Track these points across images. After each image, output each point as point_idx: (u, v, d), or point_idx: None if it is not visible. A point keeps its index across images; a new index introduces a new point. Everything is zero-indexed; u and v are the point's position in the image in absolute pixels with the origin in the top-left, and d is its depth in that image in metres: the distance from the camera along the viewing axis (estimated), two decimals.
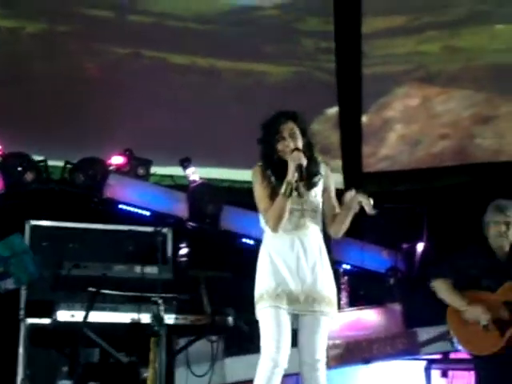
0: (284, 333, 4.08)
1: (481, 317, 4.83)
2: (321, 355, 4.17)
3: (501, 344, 4.81)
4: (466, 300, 4.90)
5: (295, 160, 4.11)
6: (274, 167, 4.20)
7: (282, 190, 4.10)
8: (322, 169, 4.28)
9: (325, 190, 4.27)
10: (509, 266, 4.98)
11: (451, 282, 4.99)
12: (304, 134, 4.24)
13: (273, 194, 4.15)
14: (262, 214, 4.18)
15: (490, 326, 4.82)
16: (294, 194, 4.15)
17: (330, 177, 4.33)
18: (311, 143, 4.28)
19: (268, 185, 4.19)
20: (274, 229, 4.14)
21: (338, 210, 4.26)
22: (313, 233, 4.21)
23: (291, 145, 4.17)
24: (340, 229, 4.23)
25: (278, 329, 4.07)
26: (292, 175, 4.10)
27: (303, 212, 4.19)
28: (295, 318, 4.16)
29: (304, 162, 4.12)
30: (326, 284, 4.19)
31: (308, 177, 4.18)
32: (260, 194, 4.19)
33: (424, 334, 6.76)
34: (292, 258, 4.14)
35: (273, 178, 4.19)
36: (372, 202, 4.08)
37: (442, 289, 5.01)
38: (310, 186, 4.20)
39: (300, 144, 4.21)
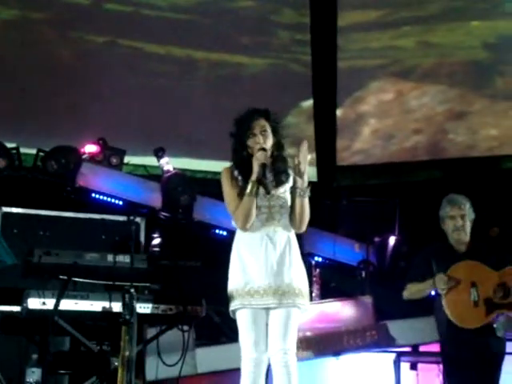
0: (260, 331, 4.17)
1: (440, 285, 4.90)
2: (290, 345, 4.21)
3: (483, 322, 4.89)
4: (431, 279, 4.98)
5: (259, 159, 4.19)
6: (242, 164, 4.26)
7: (248, 189, 4.18)
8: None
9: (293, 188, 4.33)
10: (467, 258, 5.05)
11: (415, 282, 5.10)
12: (275, 132, 4.31)
13: (241, 194, 4.23)
14: (230, 213, 4.26)
15: (479, 303, 4.91)
16: (262, 191, 4.22)
17: None
18: (281, 142, 4.33)
19: (236, 185, 4.26)
20: (243, 228, 4.23)
21: None
22: (281, 228, 4.27)
23: (261, 141, 4.24)
24: (295, 220, 4.25)
25: (253, 329, 4.17)
26: (256, 175, 4.18)
27: (271, 208, 4.26)
28: (266, 313, 4.22)
29: (268, 161, 4.20)
30: (296, 276, 4.24)
31: (276, 174, 4.27)
32: (229, 195, 4.27)
33: (394, 326, 6.82)
34: (260, 254, 4.21)
35: (240, 178, 4.26)
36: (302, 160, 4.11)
37: (411, 290, 5.13)
38: (278, 183, 4.27)
39: (270, 142, 4.28)
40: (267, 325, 4.21)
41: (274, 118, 4.33)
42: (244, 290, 4.18)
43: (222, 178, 4.30)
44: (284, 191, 4.29)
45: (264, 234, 4.23)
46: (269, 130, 4.28)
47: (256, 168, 4.18)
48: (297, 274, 4.25)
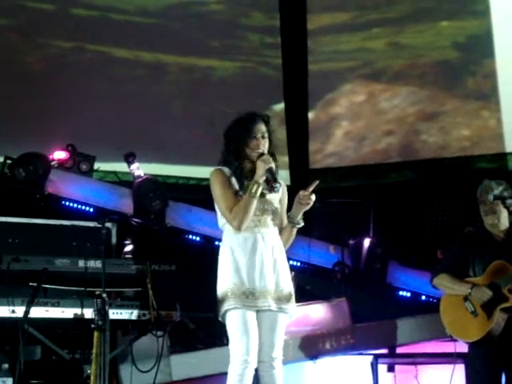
0: (252, 333, 4.14)
1: (485, 294, 4.81)
2: (278, 353, 4.22)
3: (489, 326, 4.79)
4: (469, 284, 4.88)
5: (267, 162, 4.17)
6: (238, 167, 4.24)
7: (252, 190, 4.14)
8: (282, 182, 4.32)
9: (281, 201, 4.35)
10: (504, 244, 4.97)
11: (450, 274, 4.98)
12: (270, 140, 4.30)
13: (236, 195, 4.21)
14: (225, 212, 4.22)
15: (478, 311, 4.84)
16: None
17: (285, 192, 4.40)
18: (273, 151, 4.33)
19: (231, 186, 4.23)
20: (239, 227, 4.19)
21: (284, 223, 4.35)
22: (273, 231, 4.29)
23: (262, 146, 4.23)
24: (284, 242, 4.32)
25: (245, 331, 4.12)
26: (261, 176, 4.16)
27: (264, 212, 4.26)
28: (257, 315, 4.20)
29: (273, 166, 4.19)
30: (287, 281, 4.27)
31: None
32: (223, 192, 4.22)
33: (370, 329, 6.79)
34: (255, 256, 4.19)
35: (234, 180, 4.24)
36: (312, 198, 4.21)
37: (443, 283, 5.02)
38: (272, 189, 4.24)
39: (266, 148, 4.28)
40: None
41: (271, 126, 4.34)
42: (240, 290, 4.14)
43: (215, 178, 4.26)
44: (275, 198, 4.30)
45: (258, 235, 4.22)
46: (266, 135, 4.28)
47: (262, 170, 4.15)
48: (288, 280, 4.27)
